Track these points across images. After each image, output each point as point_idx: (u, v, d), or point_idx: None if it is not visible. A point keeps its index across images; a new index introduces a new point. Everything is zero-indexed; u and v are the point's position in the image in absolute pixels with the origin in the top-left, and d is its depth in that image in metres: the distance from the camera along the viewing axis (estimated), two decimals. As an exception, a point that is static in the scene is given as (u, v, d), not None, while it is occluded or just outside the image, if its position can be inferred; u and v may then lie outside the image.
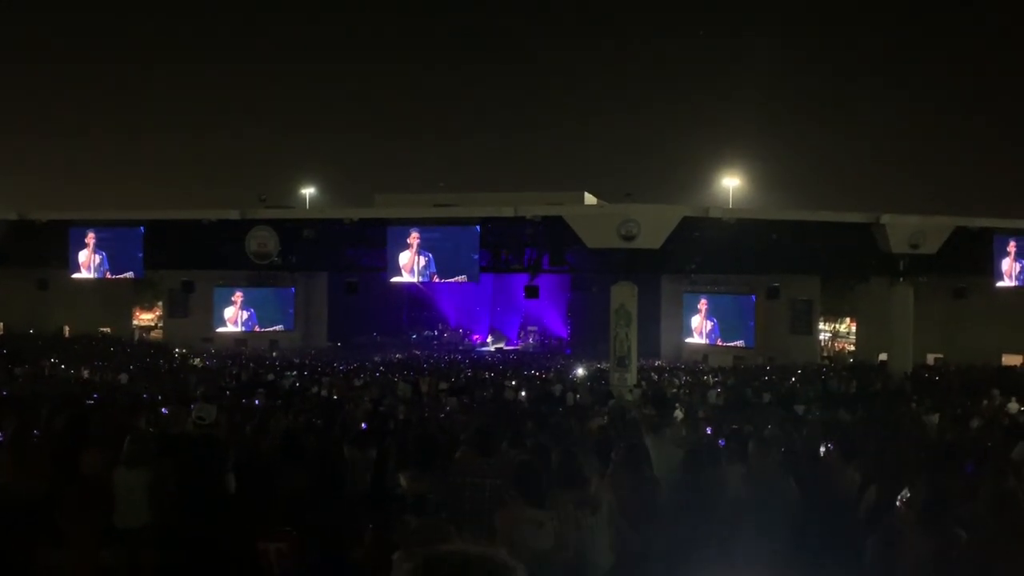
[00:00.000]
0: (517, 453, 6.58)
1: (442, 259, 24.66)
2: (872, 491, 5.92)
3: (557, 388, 20.24)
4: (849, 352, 41.80)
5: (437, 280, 25.80)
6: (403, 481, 5.44)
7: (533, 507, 4.74)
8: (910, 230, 24.39)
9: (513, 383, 21.69)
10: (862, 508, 5.92)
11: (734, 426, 10.06)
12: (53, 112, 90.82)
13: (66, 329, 35.82)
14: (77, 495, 5.82)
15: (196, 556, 5.92)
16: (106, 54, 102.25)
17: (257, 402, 14.73)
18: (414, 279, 25.38)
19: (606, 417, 12.14)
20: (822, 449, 7.78)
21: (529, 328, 46.12)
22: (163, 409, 10.71)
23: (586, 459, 5.94)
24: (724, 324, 36.32)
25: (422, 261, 24.57)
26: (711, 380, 24.77)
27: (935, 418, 12.90)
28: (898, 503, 4.65)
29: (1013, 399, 16.34)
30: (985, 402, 16.64)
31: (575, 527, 4.85)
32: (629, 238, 22.90)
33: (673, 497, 6.21)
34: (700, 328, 37.10)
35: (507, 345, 45.03)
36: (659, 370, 30.37)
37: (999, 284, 25.73)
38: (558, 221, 24.06)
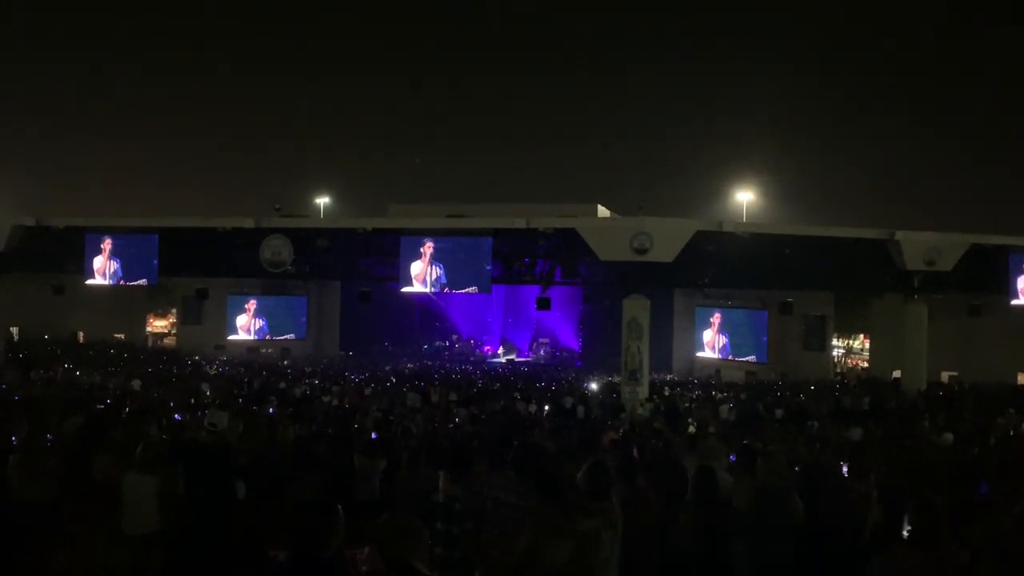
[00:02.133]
0: (535, 468, 6.58)
1: (454, 270, 24.70)
2: (879, 510, 5.88)
3: (568, 401, 20.19)
4: (863, 369, 41.53)
5: (448, 291, 25.86)
6: (441, 483, 5.43)
7: (556, 520, 4.74)
8: (925, 247, 24.25)
9: (519, 396, 21.62)
10: (870, 526, 5.88)
11: (745, 442, 10.02)
12: (73, 120, 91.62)
13: (80, 335, 36.07)
14: (87, 499, 5.86)
15: (204, 562, 5.93)
16: (125, 63, 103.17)
17: (271, 410, 14.78)
18: (426, 289, 25.43)
19: (620, 432, 12.11)
20: (836, 467, 7.74)
21: (541, 340, 46.06)
22: (176, 415, 10.76)
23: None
24: (736, 339, 36.15)
25: (434, 272, 24.62)
26: (723, 395, 24.67)
27: (949, 436, 12.78)
28: (906, 522, 4.62)
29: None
30: (1001, 421, 16.46)
31: (595, 542, 4.84)
32: (642, 251, 22.87)
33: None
34: (713, 343, 36.96)
35: (518, 357, 44.96)
36: (671, 384, 30.26)
37: (1014, 302, 25.51)
38: (571, 233, 24.06)
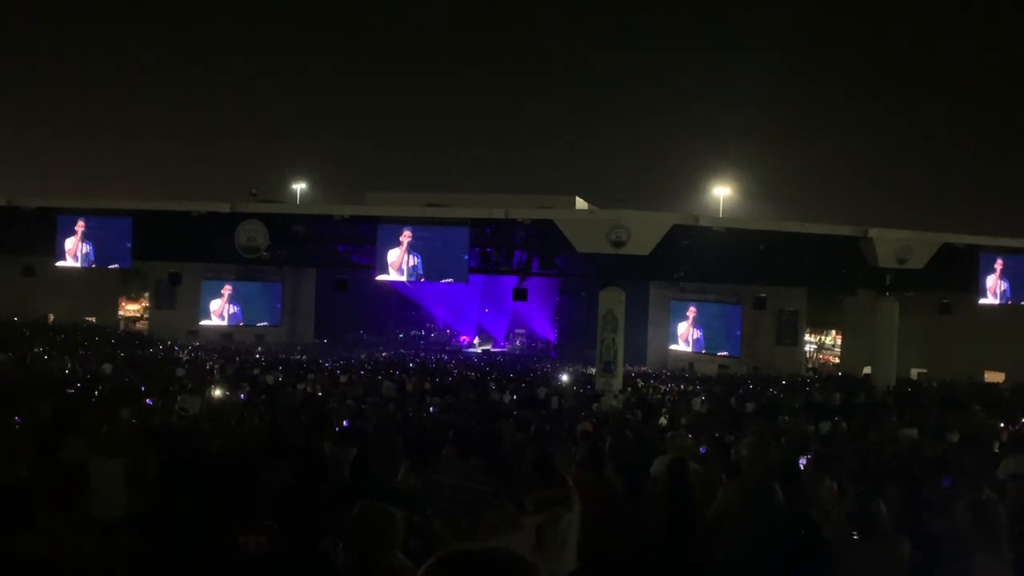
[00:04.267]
0: (498, 455, 6.63)
1: (431, 259, 24.65)
2: (846, 503, 5.97)
3: (541, 391, 20.27)
4: (834, 364, 42.02)
5: (424, 280, 25.81)
6: (401, 474, 5.47)
7: (515, 508, 4.77)
8: (897, 245, 24.56)
9: (494, 386, 21.67)
10: (835, 519, 5.97)
11: (716, 434, 10.14)
12: (44, 102, 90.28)
13: (51, 317, 35.61)
14: (57, 483, 5.82)
15: (174, 548, 5.92)
16: (98, 46, 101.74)
17: (242, 396, 14.71)
18: (402, 278, 25.36)
19: (593, 422, 12.17)
20: (801, 460, 7.85)
21: (517, 331, 46.21)
22: (147, 400, 10.69)
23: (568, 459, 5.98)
24: (710, 333, 36.42)
25: (411, 260, 24.55)
26: (696, 388, 24.86)
27: (913, 432, 12.98)
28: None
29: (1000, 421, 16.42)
30: (967, 417, 16.73)
31: (554, 525, 4.88)
32: (619, 244, 22.97)
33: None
34: (686, 335, 37.19)
35: (494, 347, 45.06)
36: (645, 376, 30.46)
37: (982, 301, 25.93)
38: (549, 225, 24.12)
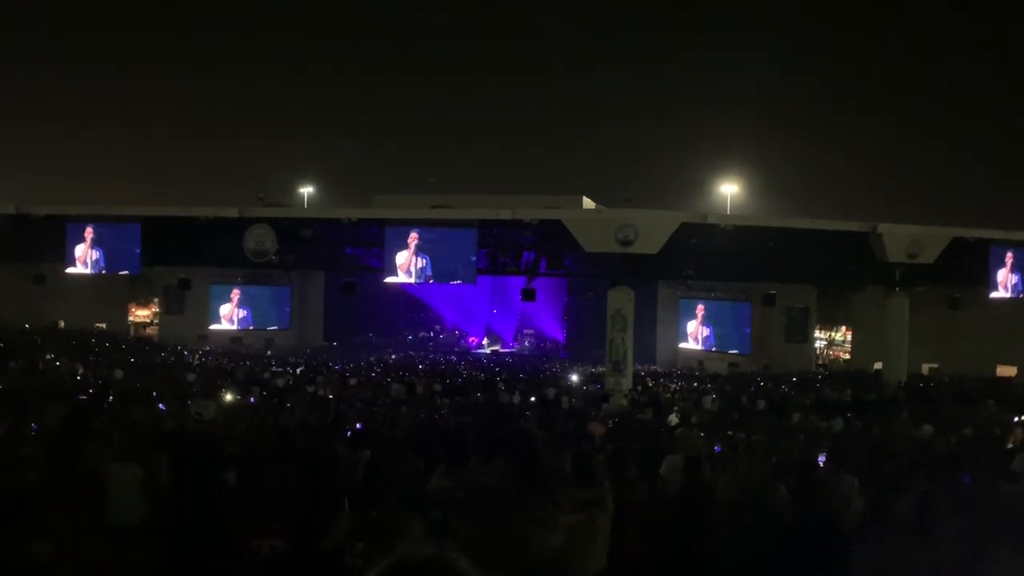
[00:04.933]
0: (526, 455, 6.61)
1: (439, 261, 24.64)
2: (862, 501, 5.93)
3: (551, 392, 20.24)
4: (844, 361, 41.85)
5: (433, 282, 25.82)
6: (435, 477, 5.47)
7: (543, 510, 4.75)
8: (907, 240, 24.42)
9: (503, 387, 21.64)
10: (851, 517, 5.93)
11: (728, 432, 10.10)
12: (53, 109, 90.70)
13: (60, 324, 35.73)
14: (71, 489, 5.82)
15: (188, 552, 5.91)
16: (107, 51, 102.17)
17: (252, 400, 14.73)
18: (411, 280, 25.37)
19: (610, 423, 12.15)
20: (817, 457, 7.80)
21: (525, 331, 46.14)
22: (160, 405, 10.72)
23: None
24: (720, 331, 36.33)
25: (419, 262, 24.56)
26: (706, 387, 24.79)
27: (928, 428, 12.91)
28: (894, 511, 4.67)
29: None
30: (980, 412, 16.64)
31: (588, 525, 4.87)
32: (627, 243, 22.91)
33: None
34: (696, 334, 37.11)
35: (503, 348, 45.03)
36: (655, 375, 30.39)
37: (993, 295, 25.77)
38: (556, 225, 24.08)
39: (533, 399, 19.08)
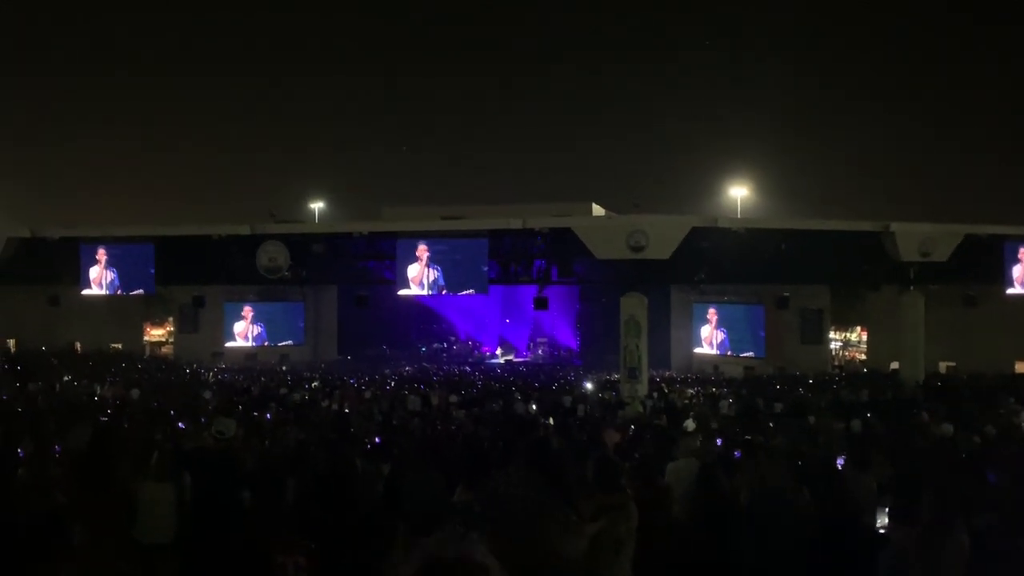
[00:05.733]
0: (547, 463, 6.62)
1: (451, 272, 24.72)
2: (886, 501, 5.91)
3: (567, 400, 20.21)
4: (860, 361, 41.61)
5: (446, 293, 25.89)
6: (459, 491, 5.49)
7: (567, 517, 4.75)
8: (920, 238, 24.32)
9: (519, 396, 21.60)
10: (875, 518, 5.90)
11: (747, 437, 10.06)
12: (65, 129, 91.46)
13: (77, 345, 35.99)
14: (97, 509, 5.86)
15: (215, 571, 5.95)
16: (115, 71, 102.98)
17: (268, 416, 14.77)
18: (423, 292, 25.45)
19: (630, 431, 12.13)
20: (837, 459, 7.77)
21: (539, 340, 46.12)
22: (180, 424, 10.77)
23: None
24: (734, 334, 36.22)
25: (432, 274, 24.64)
26: (723, 391, 24.68)
27: (949, 427, 12.82)
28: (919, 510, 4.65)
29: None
30: (1001, 411, 16.51)
31: (611, 532, 4.87)
32: (638, 249, 22.90)
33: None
34: (710, 338, 37.01)
35: (516, 357, 45.02)
36: (670, 381, 30.31)
37: (1009, 291, 25.63)
38: (567, 232, 24.10)
39: (549, 407, 19.03)
